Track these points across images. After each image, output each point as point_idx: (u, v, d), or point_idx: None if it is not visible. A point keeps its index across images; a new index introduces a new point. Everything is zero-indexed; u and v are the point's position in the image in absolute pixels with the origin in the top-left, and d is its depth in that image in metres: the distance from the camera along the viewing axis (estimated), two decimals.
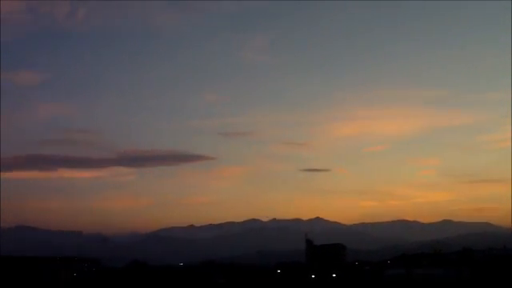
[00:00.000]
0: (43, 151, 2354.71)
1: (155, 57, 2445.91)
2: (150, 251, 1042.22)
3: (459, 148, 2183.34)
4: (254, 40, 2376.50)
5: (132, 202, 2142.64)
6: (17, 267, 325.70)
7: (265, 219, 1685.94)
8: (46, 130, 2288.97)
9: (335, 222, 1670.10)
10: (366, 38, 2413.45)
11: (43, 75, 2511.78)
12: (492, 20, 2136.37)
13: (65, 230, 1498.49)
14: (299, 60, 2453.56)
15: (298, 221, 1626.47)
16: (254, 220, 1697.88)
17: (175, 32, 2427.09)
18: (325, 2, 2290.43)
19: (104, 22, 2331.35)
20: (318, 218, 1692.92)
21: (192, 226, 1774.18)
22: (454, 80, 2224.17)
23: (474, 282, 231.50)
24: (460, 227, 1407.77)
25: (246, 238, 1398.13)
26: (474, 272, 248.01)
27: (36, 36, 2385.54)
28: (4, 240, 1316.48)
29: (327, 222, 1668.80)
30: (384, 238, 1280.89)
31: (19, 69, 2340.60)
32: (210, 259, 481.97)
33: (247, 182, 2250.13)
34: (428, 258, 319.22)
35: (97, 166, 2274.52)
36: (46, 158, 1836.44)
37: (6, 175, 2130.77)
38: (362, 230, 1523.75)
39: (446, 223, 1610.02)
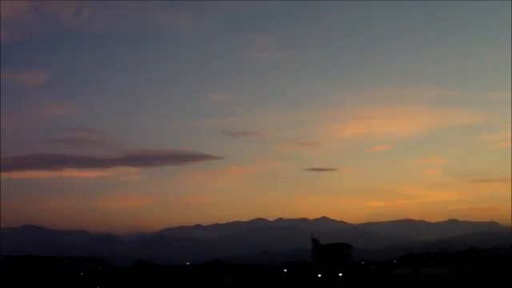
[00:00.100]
0: (49, 151, 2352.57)
1: (159, 56, 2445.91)
2: (156, 251, 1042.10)
3: (465, 147, 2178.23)
4: (258, 39, 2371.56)
5: (138, 202, 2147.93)
6: (23, 267, 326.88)
7: (271, 219, 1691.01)
8: (52, 129, 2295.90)
9: (341, 222, 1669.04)
10: (370, 38, 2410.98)
11: (48, 75, 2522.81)
12: (496, 18, 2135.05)
13: (70, 230, 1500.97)
14: (304, 59, 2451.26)
15: (303, 220, 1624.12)
16: (259, 219, 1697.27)
17: (179, 32, 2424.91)
18: (331, 0, 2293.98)
19: (109, 21, 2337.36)
20: (323, 218, 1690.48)
21: (198, 226, 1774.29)
22: (459, 79, 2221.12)
23: (479, 282, 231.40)
24: (466, 227, 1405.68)
25: (252, 237, 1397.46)
26: (480, 271, 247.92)
27: (40, 36, 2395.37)
28: (10, 240, 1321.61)
29: (333, 221, 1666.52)
30: (390, 238, 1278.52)
31: (24, 69, 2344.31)
32: (216, 259, 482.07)
33: (253, 181, 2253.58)
34: (434, 258, 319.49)
35: (103, 165, 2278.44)
36: (52, 157, 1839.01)
37: (12, 175, 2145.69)
38: (368, 229, 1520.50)
39: (452, 223, 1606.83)
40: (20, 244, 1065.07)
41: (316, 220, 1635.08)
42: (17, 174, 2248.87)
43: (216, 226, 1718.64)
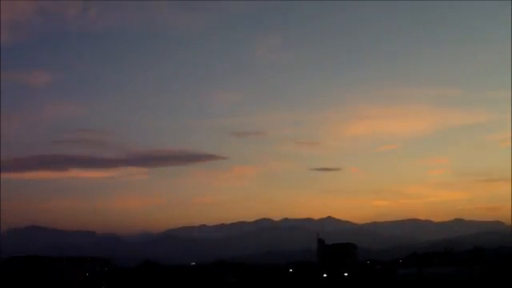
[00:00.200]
0: (53, 151, 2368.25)
1: (162, 56, 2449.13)
2: (162, 251, 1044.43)
3: (470, 147, 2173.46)
4: (266, 39, 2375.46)
5: (143, 202, 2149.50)
6: (28, 267, 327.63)
7: (276, 219, 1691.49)
8: (58, 130, 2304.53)
9: (347, 222, 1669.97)
10: (374, 37, 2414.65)
11: (54, 75, 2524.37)
12: (502, 17, 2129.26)
13: (75, 231, 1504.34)
14: (311, 59, 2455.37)
15: (309, 220, 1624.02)
16: (264, 219, 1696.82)
17: (187, 31, 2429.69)
18: (336, 0, 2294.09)
19: (116, 21, 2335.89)
20: (329, 218, 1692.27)
21: (203, 226, 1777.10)
22: (465, 79, 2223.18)
23: (486, 281, 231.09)
24: (471, 226, 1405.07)
25: (258, 237, 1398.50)
26: (486, 271, 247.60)
27: (46, 36, 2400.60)
28: (16, 240, 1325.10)
29: (339, 221, 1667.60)
30: (395, 237, 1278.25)
31: (30, 69, 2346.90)
32: (222, 259, 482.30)
33: (258, 181, 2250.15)
34: (440, 257, 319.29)
35: (108, 165, 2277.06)
36: (56, 158, 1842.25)
37: (18, 176, 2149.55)
38: (374, 229, 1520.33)
39: (458, 222, 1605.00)
40: (25, 245, 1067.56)
41: (321, 220, 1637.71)
42: (21, 175, 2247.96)
43: (221, 227, 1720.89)
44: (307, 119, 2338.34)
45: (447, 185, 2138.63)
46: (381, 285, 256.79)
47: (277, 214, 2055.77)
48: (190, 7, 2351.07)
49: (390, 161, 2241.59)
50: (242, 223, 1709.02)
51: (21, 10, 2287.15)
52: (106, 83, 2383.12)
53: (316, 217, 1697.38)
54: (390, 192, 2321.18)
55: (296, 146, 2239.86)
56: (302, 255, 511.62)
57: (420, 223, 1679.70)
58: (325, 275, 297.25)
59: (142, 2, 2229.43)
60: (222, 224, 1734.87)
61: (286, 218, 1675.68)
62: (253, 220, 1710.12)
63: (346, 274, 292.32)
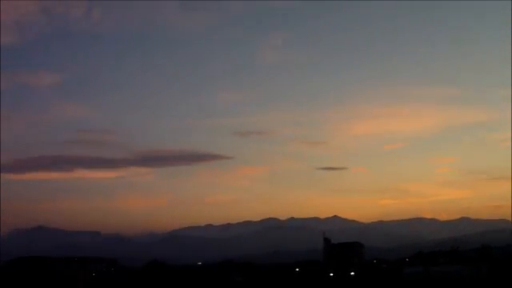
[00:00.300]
0: (60, 152, 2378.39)
1: (172, 57, 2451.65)
2: (168, 251, 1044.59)
3: (477, 145, 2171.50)
4: (270, 39, 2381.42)
5: (149, 202, 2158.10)
6: (35, 268, 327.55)
7: (282, 218, 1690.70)
8: (62, 130, 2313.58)
9: (353, 221, 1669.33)
10: (381, 37, 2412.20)
11: (59, 76, 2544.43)
12: (508, 16, 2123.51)
13: (82, 231, 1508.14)
14: (315, 58, 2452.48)
15: (315, 219, 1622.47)
16: (271, 219, 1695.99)
17: (191, 32, 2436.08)
18: (342, 0, 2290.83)
19: (121, 22, 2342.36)
20: (335, 217, 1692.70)
21: (209, 226, 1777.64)
22: (472, 77, 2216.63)
23: (493, 279, 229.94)
24: (478, 224, 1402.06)
25: (264, 236, 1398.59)
26: (493, 269, 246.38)
27: (51, 37, 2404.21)
28: (22, 241, 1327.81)
29: (345, 220, 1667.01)
30: (402, 236, 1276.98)
31: (34, 69, 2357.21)
32: (228, 258, 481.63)
33: (264, 181, 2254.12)
34: (446, 256, 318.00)
35: (114, 166, 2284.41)
36: (65, 158, 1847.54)
37: (25, 176, 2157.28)
38: (380, 227, 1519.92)
39: (464, 220, 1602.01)
40: (31, 245, 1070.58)
41: (327, 219, 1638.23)
42: (29, 176, 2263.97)
43: (227, 226, 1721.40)
44: (312, 118, 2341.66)
45: (453, 183, 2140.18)
46: (387, 284, 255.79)
47: (283, 214, 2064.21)
48: (193, 7, 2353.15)
49: (395, 160, 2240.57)
50: (248, 223, 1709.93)
51: (23, 10, 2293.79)
52: (110, 83, 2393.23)
53: (322, 216, 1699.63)
54: (396, 191, 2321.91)
55: (301, 145, 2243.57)
56: (308, 254, 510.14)
57: (426, 222, 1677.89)
58: (331, 274, 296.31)
59: (146, 2, 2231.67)
60: (228, 224, 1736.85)
61: (292, 218, 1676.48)
62: (259, 219, 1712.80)
63: (352, 273, 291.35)
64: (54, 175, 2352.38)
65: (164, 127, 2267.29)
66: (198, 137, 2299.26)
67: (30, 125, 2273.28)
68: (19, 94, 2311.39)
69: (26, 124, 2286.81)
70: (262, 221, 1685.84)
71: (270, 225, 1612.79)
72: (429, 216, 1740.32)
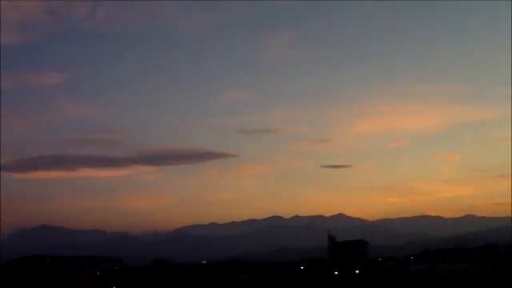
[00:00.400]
0: (66, 151, 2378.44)
1: (177, 56, 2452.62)
2: (173, 249, 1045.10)
3: (482, 143, 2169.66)
4: (275, 37, 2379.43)
5: (154, 201, 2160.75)
6: (40, 267, 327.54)
7: (286, 216, 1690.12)
8: (68, 130, 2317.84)
9: (358, 218, 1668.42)
10: (388, 34, 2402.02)
11: (65, 75, 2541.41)
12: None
13: (86, 230, 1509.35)
14: (320, 57, 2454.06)
15: (320, 217, 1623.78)
16: (275, 217, 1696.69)
17: (196, 31, 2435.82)
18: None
19: (126, 21, 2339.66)
20: (340, 215, 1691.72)
21: (214, 224, 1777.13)
22: (476, 75, 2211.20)
23: (498, 277, 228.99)
24: (483, 222, 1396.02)
25: (268, 235, 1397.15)
26: (498, 266, 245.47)
27: (56, 36, 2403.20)
28: (27, 240, 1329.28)
29: (349, 218, 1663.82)
30: (407, 234, 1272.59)
31: (41, 69, 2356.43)
32: (233, 257, 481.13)
33: (269, 179, 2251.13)
34: (451, 254, 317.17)
35: (119, 165, 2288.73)
36: (69, 157, 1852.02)
37: (30, 175, 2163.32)
38: (385, 225, 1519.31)
39: (469, 218, 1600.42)
40: (36, 244, 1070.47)
41: (332, 217, 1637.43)
42: (34, 175, 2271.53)
43: (231, 224, 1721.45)
44: (316, 116, 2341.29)
45: (458, 181, 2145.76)
46: (393, 282, 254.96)
47: (287, 212, 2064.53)
48: (195, 7, 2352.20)
49: (400, 157, 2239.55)
50: (253, 221, 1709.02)
51: (28, 10, 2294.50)
52: (116, 82, 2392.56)
53: (327, 214, 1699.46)
54: (400, 188, 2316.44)
55: (306, 143, 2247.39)
56: (312, 253, 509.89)
57: (431, 219, 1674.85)
58: (336, 273, 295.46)
59: (150, 2, 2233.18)
60: (233, 222, 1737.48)
61: (297, 216, 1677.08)
62: (263, 218, 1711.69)
63: (357, 271, 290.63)
64: (58, 174, 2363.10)
65: (168, 126, 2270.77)
66: (202, 135, 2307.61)
67: (33, 124, 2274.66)
68: (22, 93, 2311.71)
69: (30, 123, 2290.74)
70: (267, 219, 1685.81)
71: (275, 223, 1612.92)
72: (433, 214, 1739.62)
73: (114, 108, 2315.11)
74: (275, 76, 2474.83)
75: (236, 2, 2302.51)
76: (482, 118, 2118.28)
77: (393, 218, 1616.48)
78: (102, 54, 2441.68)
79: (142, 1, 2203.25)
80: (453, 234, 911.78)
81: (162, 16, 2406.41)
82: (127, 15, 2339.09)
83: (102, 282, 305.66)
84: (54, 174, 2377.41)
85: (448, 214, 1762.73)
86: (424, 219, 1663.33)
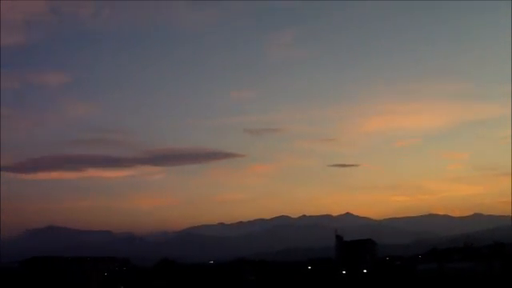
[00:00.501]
0: (72, 152, 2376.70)
1: (182, 56, 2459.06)
2: (180, 249, 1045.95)
3: (489, 141, 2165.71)
4: (280, 36, 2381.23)
5: (161, 201, 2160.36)
6: (47, 267, 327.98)
7: (294, 216, 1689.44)
8: (74, 130, 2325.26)
9: (365, 218, 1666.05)
10: (392, 34, 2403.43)
11: (69, 75, 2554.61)
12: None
13: (94, 230, 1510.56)
14: (326, 56, 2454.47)
15: (327, 217, 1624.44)
16: (283, 217, 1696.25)
17: (202, 31, 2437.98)
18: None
19: (130, 21, 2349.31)
20: (347, 214, 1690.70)
21: (221, 224, 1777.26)
22: (484, 73, 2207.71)
23: (506, 276, 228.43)
24: (491, 221, 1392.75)
25: (276, 234, 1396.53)
26: (506, 265, 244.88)
27: (60, 36, 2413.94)
28: (34, 240, 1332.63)
29: (357, 217, 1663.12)
30: (415, 233, 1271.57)
31: (45, 69, 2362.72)
32: (240, 256, 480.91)
33: (276, 178, 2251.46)
34: (459, 252, 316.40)
35: (126, 165, 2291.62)
36: (75, 158, 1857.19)
37: (36, 176, 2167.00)
38: (392, 224, 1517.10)
39: (477, 217, 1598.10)
40: (44, 244, 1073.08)
41: (339, 216, 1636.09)
42: (40, 175, 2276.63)
43: (239, 224, 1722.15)
44: (323, 115, 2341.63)
45: (465, 179, 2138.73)
46: (401, 281, 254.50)
47: (295, 211, 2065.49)
48: (203, 6, 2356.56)
49: (407, 156, 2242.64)
50: (260, 221, 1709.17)
51: (30, 10, 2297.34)
52: (124, 83, 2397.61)
53: (334, 213, 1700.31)
54: (408, 187, 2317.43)
55: (313, 142, 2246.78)
56: (320, 252, 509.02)
57: (439, 218, 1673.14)
58: (343, 272, 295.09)
59: (155, 2, 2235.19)
60: (240, 222, 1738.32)
61: (304, 215, 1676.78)
62: (270, 217, 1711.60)
63: (365, 271, 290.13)
64: (65, 175, 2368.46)
65: (175, 126, 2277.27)
66: (209, 135, 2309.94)
67: (39, 124, 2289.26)
68: (25, 93, 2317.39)
69: (36, 123, 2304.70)
70: (274, 219, 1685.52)
71: (282, 223, 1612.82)
72: (441, 212, 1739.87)
73: (120, 108, 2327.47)
74: (282, 75, 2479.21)
75: (237, 1, 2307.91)
76: (490, 117, 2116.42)
77: (400, 217, 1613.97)
78: (104, 53, 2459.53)
79: (142, 1, 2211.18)
80: (461, 232, 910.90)
81: (168, 16, 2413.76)
82: (129, 15, 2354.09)
83: (109, 282, 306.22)
84: (62, 174, 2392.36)
85: (456, 213, 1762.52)
86: (431, 218, 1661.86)
